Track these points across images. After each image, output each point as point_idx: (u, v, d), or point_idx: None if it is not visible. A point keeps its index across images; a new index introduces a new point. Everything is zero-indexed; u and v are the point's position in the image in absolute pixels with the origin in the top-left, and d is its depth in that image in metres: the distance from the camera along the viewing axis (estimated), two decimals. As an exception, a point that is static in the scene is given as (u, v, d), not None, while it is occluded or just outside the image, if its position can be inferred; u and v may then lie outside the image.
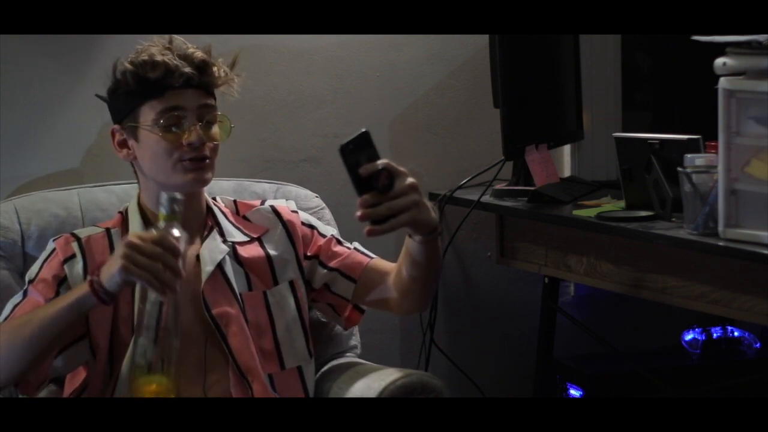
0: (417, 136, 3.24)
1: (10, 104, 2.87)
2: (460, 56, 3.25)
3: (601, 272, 2.80)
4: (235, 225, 2.46)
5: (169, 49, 2.34)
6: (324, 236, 2.48)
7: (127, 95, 2.35)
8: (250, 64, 3.07)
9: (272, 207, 2.50)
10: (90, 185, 2.72)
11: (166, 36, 2.37)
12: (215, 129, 2.36)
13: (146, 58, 2.32)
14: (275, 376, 2.39)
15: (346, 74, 3.16)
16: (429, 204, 2.14)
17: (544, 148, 2.98)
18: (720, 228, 2.39)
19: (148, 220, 2.39)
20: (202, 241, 2.40)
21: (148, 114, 2.33)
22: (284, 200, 2.57)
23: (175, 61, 2.31)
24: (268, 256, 2.44)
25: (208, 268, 2.37)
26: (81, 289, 2.14)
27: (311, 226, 2.50)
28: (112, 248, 2.39)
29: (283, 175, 3.03)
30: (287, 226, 2.47)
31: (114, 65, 2.36)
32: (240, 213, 2.49)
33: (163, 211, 2.08)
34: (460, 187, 3.12)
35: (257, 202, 2.52)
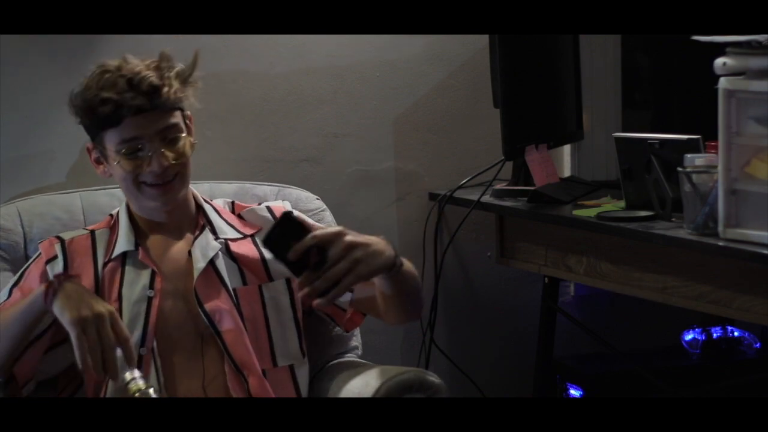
0: (417, 136, 3.24)
1: (10, 104, 2.87)
2: (460, 56, 3.25)
3: (601, 272, 2.80)
4: (228, 222, 2.47)
5: (119, 77, 2.31)
6: None
7: (88, 124, 2.37)
8: (250, 64, 3.09)
9: (267, 207, 2.51)
10: (92, 188, 2.73)
11: (118, 60, 2.35)
12: (180, 143, 2.35)
13: (95, 95, 2.31)
14: (268, 373, 2.40)
15: (346, 74, 3.16)
16: (378, 247, 2.13)
17: (543, 148, 2.98)
18: (720, 228, 2.39)
19: (135, 224, 2.44)
20: (194, 240, 2.41)
21: (110, 140, 2.35)
22: (280, 201, 2.58)
23: (123, 94, 2.30)
24: (261, 255, 2.44)
25: (199, 264, 2.39)
26: (39, 289, 2.22)
27: None
28: (94, 249, 2.43)
29: (283, 175, 3.03)
30: None
31: (70, 95, 2.36)
32: (235, 212, 2.51)
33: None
34: (460, 187, 3.12)
35: (254, 204, 2.53)
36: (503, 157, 2.93)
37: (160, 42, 2.67)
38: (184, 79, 2.37)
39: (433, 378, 2.37)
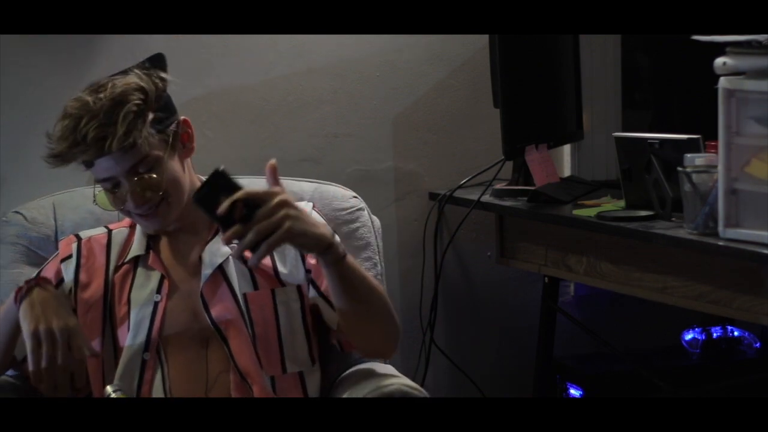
0: (417, 136, 3.24)
1: (10, 104, 2.87)
2: (460, 56, 3.25)
3: (601, 272, 2.80)
4: None
5: (72, 128, 2.26)
6: None
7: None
8: (251, 64, 3.09)
9: None
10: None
11: (77, 102, 2.30)
12: (155, 177, 2.30)
13: (53, 147, 2.29)
14: (277, 379, 2.38)
15: (346, 74, 3.16)
16: (313, 219, 2.14)
17: (543, 148, 2.98)
18: (720, 228, 2.39)
19: None
20: (206, 245, 2.40)
21: (93, 176, 2.34)
22: (303, 202, 2.52)
23: (74, 149, 2.27)
24: (274, 261, 2.42)
25: (206, 271, 2.38)
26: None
27: None
28: (108, 249, 2.44)
29: (283, 175, 3.02)
30: None
31: (46, 135, 2.33)
32: None
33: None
34: (460, 187, 3.12)
35: None
36: (503, 157, 2.93)
37: (160, 42, 2.68)
38: (139, 113, 2.28)
39: (417, 391, 2.32)
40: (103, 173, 2.31)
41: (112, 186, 2.32)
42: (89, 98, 2.28)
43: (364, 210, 2.71)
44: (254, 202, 2.06)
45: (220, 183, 2.06)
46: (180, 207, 2.37)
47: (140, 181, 2.30)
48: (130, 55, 2.79)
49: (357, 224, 2.67)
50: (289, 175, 3.03)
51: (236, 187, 2.06)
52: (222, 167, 2.08)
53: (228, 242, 2.06)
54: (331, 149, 3.17)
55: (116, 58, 2.42)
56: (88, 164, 2.31)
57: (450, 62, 3.25)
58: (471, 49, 3.24)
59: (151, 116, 2.30)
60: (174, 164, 2.35)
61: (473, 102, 3.26)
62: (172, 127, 2.35)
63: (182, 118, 2.39)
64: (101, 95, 2.28)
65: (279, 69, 3.11)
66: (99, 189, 2.36)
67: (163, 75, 2.34)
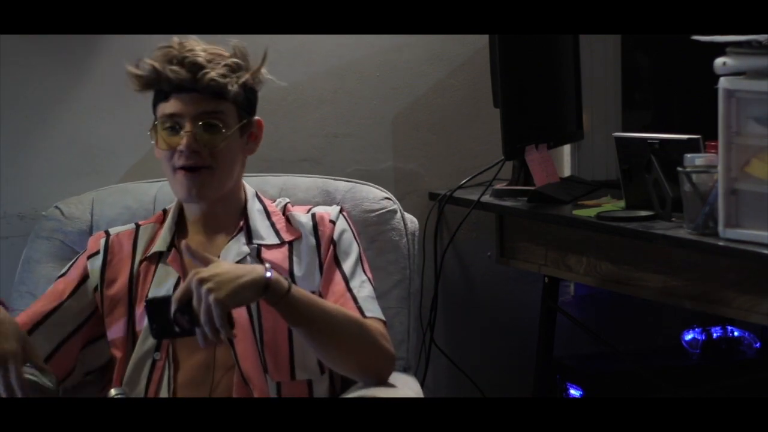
0: (417, 135, 3.24)
1: (10, 104, 2.87)
2: (460, 56, 3.25)
3: (601, 272, 2.80)
4: (273, 226, 2.45)
5: (173, 52, 2.34)
6: (338, 267, 2.42)
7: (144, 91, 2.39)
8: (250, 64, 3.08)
9: (314, 214, 2.47)
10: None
11: (187, 37, 2.37)
12: (218, 134, 2.34)
13: (145, 62, 2.34)
14: (283, 386, 2.36)
15: (346, 74, 3.16)
16: (232, 274, 2.15)
17: (543, 148, 2.98)
18: (720, 228, 2.39)
19: (181, 222, 2.44)
20: (225, 244, 2.39)
21: (158, 114, 2.37)
22: (332, 207, 2.52)
23: (166, 66, 2.32)
24: (291, 266, 2.41)
25: None
26: None
27: (334, 245, 2.43)
28: (135, 245, 2.45)
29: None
30: (318, 235, 2.44)
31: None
32: (285, 213, 2.49)
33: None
34: (460, 187, 3.12)
35: (305, 209, 2.50)
36: (503, 157, 2.93)
37: (160, 42, 2.67)
38: (236, 70, 2.36)
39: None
40: (174, 108, 2.33)
41: (173, 125, 2.34)
42: (196, 41, 2.36)
43: (396, 212, 2.67)
44: (186, 301, 2.13)
45: (157, 309, 2.17)
46: (221, 187, 2.37)
47: (202, 128, 2.32)
48: (130, 55, 2.79)
49: (386, 227, 2.64)
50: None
51: (168, 304, 2.15)
52: (147, 296, 2.27)
53: (206, 346, 2.16)
54: (331, 149, 3.17)
55: (116, 58, 2.42)
56: (165, 94, 2.34)
57: (450, 62, 3.25)
58: (471, 49, 3.24)
59: (245, 78, 2.37)
60: (236, 144, 2.38)
61: (473, 102, 3.26)
62: (252, 116, 2.41)
63: (258, 118, 2.44)
64: (207, 44, 2.37)
65: (279, 69, 3.11)
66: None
67: (264, 70, 2.42)
